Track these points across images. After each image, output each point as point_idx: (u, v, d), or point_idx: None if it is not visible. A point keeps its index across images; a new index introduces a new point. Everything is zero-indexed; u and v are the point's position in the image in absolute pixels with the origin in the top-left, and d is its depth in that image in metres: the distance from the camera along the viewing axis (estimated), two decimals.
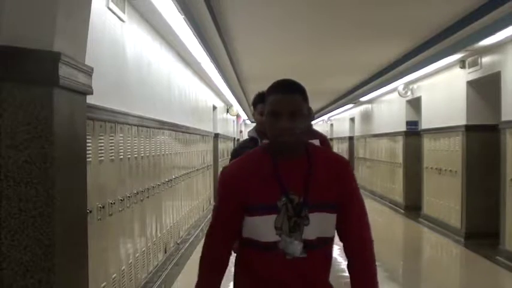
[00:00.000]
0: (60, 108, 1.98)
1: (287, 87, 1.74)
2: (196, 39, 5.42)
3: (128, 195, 4.06)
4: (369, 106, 14.02)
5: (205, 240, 1.85)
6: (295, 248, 1.71)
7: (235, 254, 1.87)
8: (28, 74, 1.88)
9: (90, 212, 3.02)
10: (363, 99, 13.25)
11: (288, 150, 1.75)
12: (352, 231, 1.81)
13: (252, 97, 3.50)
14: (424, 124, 9.29)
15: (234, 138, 17.03)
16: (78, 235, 2.27)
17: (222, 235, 1.80)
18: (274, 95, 1.72)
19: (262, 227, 1.72)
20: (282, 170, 1.73)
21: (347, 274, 1.83)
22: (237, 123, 18.64)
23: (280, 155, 1.75)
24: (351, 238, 1.81)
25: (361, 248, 1.82)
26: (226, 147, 13.07)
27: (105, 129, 3.53)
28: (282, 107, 1.69)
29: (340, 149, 19.72)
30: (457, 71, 7.48)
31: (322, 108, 20.18)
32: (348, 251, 1.83)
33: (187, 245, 6.75)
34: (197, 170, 8.07)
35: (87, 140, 2.92)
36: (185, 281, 5.28)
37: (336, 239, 1.81)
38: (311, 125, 5.94)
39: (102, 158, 3.44)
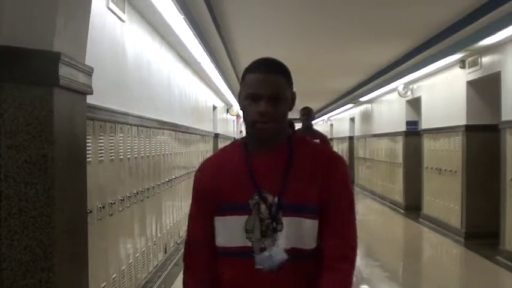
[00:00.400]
0: (60, 108, 1.98)
1: (269, 67, 1.46)
2: (196, 39, 5.42)
3: (128, 195, 4.06)
4: (369, 106, 14.02)
5: (185, 262, 1.60)
6: (275, 258, 1.44)
7: None
8: (28, 74, 1.88)
9: (90, 212, 3.02)
10: (363, 99, 13.25)
11: (266, 140, 1.49)
12: (333, 243, 1.46)
13: None
14: (424, 124, 9.29)
15: (234, 138, 17.03)
16: (78, 235, 2.27)
17: (205, 248, 1.54)
18: (253, 74, 1.45)
19: (229, 229, 1.48)
20: (258, 164, 1.48)
21: None
22: (237, 123, 18.62)
23: (257, 147, 1.50)
24: (330, 251, 1.47)
25: (339, 268, 1.46)
26: None
27: (105, 129, 3.53)
28: (262, 89, 1.42)
29: (340, 149, 19.72)
30: (457, 71, 7.48)
31: (322, 108, 20.19)
32: (322, 265, 1.47)
33: None
34: None
35: (87, 140, 2.92)
36: None
37: None
38: (311, 125, 5.97)
39: (102, 158, 3.44)
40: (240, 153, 1.52)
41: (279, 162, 1.48)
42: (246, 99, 1.45)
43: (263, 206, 1.45)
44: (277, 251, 1.44)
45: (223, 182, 1.50)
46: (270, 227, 1.45)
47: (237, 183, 1.48)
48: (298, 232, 1.45)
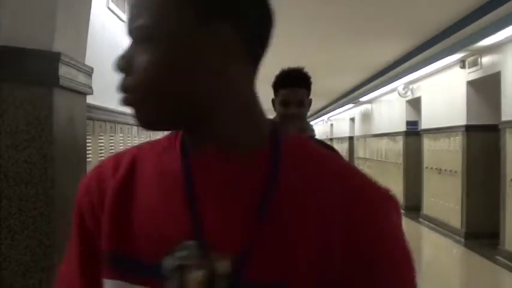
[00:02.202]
0: (60, 108, 1.98)
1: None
2: None
3: None
4: (368, 106, 14.02)
5: None
6: None
7: None
8: (28, 74, 1.88)
9: None
10: (363, 99, 13.25)
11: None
12: None
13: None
14: (424, 124, 9.29)
15: None
16: None
17: None
18: None
19: None
20: (206, 181, 0.68)
21: None
22: None
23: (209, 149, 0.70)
24: None
25: None
26: None
27: (105, 129, 3.53)
28: None
29: (340, 149, 19.73)
30: (457, 71, 7.48)
31: (322, 108, 20.19)
32: None
33: None
34: None
35: (87, 140, 2.92)
36: None
37: None
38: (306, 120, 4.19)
39: (102, 158, 3.44)
40: (174, 155, 0.75)
41: (249, 186, 0.66)
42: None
43: (194, 278, 0.62)
44: None
45: (135, 207, 0.71)
46: None
47: (151, 212, 0.69)
48: None
